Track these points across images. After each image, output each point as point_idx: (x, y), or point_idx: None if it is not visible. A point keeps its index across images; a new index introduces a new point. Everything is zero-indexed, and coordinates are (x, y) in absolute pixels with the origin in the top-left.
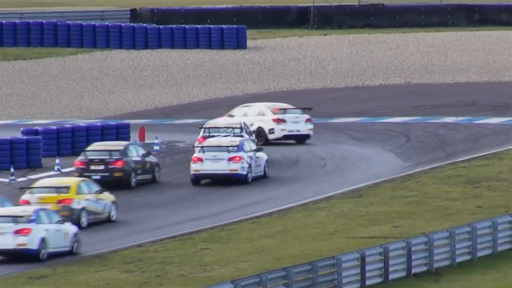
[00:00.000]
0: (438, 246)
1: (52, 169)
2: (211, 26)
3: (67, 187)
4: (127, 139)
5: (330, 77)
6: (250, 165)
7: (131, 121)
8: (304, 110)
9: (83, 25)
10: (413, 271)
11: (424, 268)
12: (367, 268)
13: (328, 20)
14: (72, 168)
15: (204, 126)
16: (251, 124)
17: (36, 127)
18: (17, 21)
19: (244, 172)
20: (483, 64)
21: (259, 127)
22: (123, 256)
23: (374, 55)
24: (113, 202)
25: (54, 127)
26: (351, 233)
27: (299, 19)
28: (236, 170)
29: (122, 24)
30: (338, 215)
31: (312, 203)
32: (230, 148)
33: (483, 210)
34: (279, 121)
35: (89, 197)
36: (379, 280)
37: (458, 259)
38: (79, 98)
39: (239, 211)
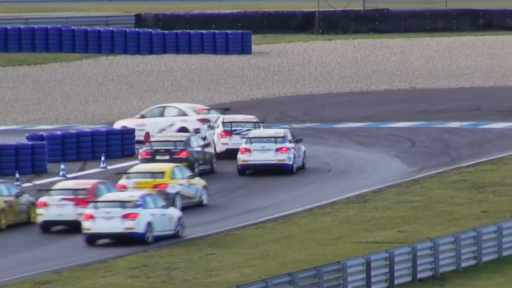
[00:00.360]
0: (443, 251)
1: (57, 174)
2: (216, 31)
3: (162, 172)
4: (132, 144)
5: (335, 82)
6: (295, 156)
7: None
8: (223, 110)
9: (88, 31)
10: (419, 276)
11: (430, 273)
12: (373, 273)
13: (333, 25)
14: (78, 173)
15: (222, 121)
16: (171, 124)
17: (41, 133)
18: (22, 26)
19: (291, 162)
20: (488, 68)
21: (182, 127)
22: (128, 261)
23: (379, 60)
24: (204, 187)
25: (59, 133)
26: (356, 238)
27: (304, 24)
28: (284, 160)
29: (127, 29)
30: (343, 220)
31: (317, 208)
32: (277, 139)
33: (488, 215)
34: (204, 120)
35: (182, 182)
36: (384, 285)
37: (464, 264)
38: (84, 103)
39: (243, 216)
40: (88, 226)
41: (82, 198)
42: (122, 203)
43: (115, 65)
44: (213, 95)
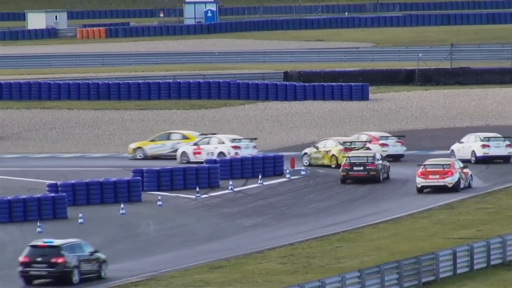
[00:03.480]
0: (510, 244)
1: (227, 188)
2: (343, 83)
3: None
4: (281, 166)
5: (430, 121)
6: None
7: (284, 153)
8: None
9: (249, 83)
10: (492, 263)
11: (499, 261)
12: (458, 261)
13: (428, 79)
14: (242, 187)
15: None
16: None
17: (214, 158)
18: (200, 80)
19: None
20: None
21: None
22: (279, 252)
23: (462, 105)
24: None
25: (228, 158)
26: (446, 235)
27: (407, 79)
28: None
29: (278, 83)
30: (436, 222)
31: (417, 213)
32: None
33: None
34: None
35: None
36: (466, 269)
37: None
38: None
39: (362, 219)
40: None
41: None
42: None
43: (269, 109)
44: (340, 130)
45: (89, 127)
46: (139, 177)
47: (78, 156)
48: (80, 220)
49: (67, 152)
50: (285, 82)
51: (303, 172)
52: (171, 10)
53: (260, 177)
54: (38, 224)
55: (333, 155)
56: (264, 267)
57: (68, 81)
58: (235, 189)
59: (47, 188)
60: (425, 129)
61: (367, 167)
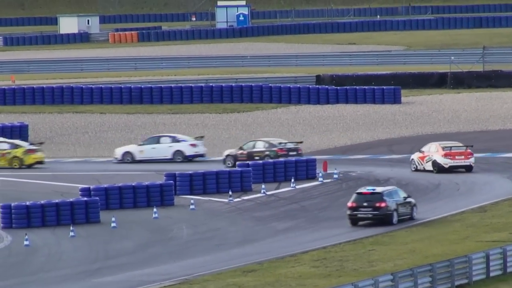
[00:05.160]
0: None
1: (259, 192)
2: (375, 87)
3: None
4: (314, 169)
5: (462, 124)
6: None
7: (317, 157)
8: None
9: (281, 87)
10: None
11: None
12: (491, 264)
13: (461, 82)
14: (275, 191)
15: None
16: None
17: (247, 162)
18: (233, 84)
19: None
20: None
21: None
22: (312, 255)
23: (495, 108)
24: None
25: (260, 162)
26: (478, 238)
27: (439, 82)
28: None
29: (310, 86)
30: (469, 225)
31: (450, 216)
32: None
33: None
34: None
35: None
36: (499, 272)
37: None
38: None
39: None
40: None
41: None
42: None
43: (301, 112)
44: (373, 134)
45: (121, 131)
46: (171, 181)
47: (110, 160)
48: (113, 224)
49: (100, 156)
50: (317, 86)
51: (335, 176)
52: (203, 14)
53: (292, 180)
54: (71, 228)
55: (15, 156)
56: (297, 271)
57: (101, 85)
58: (268, 193)
59: (80, 192)
60: (458, 132)
61: (298, 152)
